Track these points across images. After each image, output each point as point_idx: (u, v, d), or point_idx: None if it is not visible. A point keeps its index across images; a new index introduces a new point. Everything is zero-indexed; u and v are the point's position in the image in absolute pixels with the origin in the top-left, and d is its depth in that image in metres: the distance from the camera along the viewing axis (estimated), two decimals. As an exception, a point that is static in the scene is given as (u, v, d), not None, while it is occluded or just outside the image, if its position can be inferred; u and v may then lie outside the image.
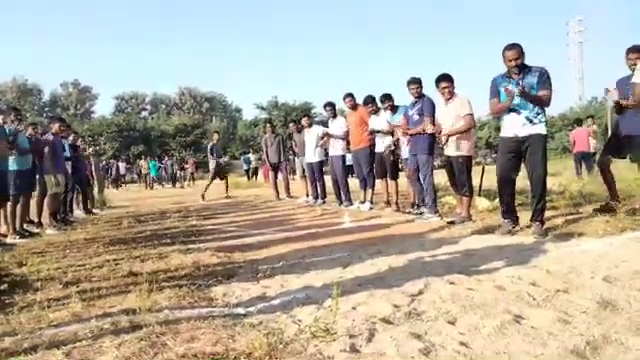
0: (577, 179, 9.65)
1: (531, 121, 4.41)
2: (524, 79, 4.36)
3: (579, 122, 13.46)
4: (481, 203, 6.12)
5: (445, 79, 5.46)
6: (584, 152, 11.94)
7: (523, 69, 4.38)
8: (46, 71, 78.36)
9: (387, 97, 6.94)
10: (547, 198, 4.76)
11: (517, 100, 4.37)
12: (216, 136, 13.24)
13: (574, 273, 2.98)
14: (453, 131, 5.38)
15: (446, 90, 5.45)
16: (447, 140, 5.42)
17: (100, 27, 76.41)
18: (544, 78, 4.36)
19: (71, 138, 9.16)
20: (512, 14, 79.91)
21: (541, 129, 4.41)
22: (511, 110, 4.49)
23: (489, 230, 4.77)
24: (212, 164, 12.28)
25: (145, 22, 77.36)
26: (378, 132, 7.07)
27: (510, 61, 4.37)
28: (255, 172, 24.78)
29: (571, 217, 4.98)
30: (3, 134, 5.68)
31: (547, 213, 4.69)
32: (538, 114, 4.40)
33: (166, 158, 32.17)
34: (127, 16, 76.41)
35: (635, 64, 4.69)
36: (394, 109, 6.84)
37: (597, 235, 4.15)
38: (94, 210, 10.21)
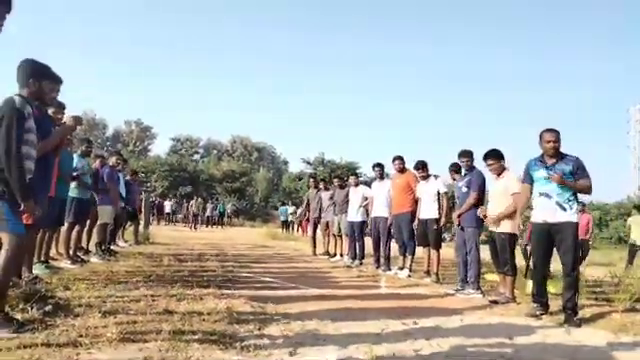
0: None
1: (562, 207, 4.30)
2: (557, 165, 4.32)
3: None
4: (527, 286, 5.80)
5: (490, 156, 5.42)
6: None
7: (558, 155, 4.35)
8: (112, 108, 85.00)
9: (422, 165, 7.04)
10: (600, 290, 4.50)
11: (547, 185, 4.33)
12: None
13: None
14: (502, 214, 5.25)
15: (492, 167, 5.42)
16: (494, 220, 5.30)
17: (168, 74, 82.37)
18: (581, 168, 4.29)
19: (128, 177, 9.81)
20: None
21: (572, 217, 4.29)
22: (542, 194, 4.40)
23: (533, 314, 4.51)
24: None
25: (207, 73, 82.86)
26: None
27: (548, 142, 4.36)
28: (287, 224, 24.84)
29: (629, 314, 4.64)
30: (70, 163, 6.01)
31: (602, 308, 4.40)
32: (570, 200, 4.30)
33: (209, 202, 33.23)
34: (193, 67, 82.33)
35: None
36: (427, 178, 7.02)
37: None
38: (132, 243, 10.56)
